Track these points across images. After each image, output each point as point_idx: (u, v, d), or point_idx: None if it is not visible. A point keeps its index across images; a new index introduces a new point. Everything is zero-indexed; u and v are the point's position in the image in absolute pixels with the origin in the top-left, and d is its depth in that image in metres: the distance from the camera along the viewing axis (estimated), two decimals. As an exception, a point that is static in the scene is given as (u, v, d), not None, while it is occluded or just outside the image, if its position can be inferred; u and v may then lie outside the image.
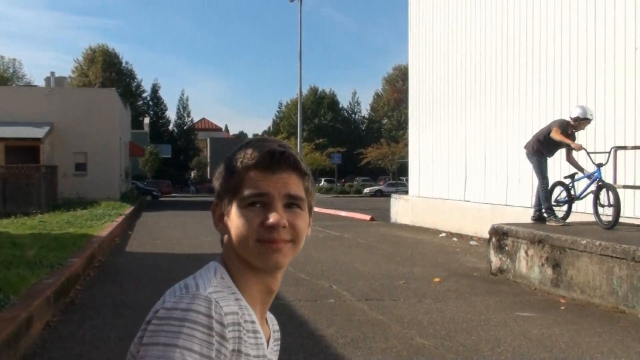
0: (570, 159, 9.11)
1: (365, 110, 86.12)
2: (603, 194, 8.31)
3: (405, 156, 19.35)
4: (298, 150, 31.07)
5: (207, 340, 1.00)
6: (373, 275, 8.59)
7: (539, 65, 12.63)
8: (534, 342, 5.02)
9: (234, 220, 1.16)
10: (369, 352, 4.72)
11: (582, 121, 8.62)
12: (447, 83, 16.35)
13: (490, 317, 6.00)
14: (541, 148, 9.01)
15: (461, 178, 15.49)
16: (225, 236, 1.21)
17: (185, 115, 75.60)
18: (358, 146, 63.67)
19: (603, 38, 10.86)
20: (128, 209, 21.28)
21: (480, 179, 14.64)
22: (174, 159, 66.75)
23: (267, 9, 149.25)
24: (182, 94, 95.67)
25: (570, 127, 8.75)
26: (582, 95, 11.22)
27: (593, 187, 8.59)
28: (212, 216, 1.24)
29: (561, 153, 9.35)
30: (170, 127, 73.98)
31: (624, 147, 9.54)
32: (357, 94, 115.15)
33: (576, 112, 8.67)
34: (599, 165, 8.45)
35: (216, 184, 1.24)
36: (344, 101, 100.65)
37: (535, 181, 9.56)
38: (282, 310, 6.13)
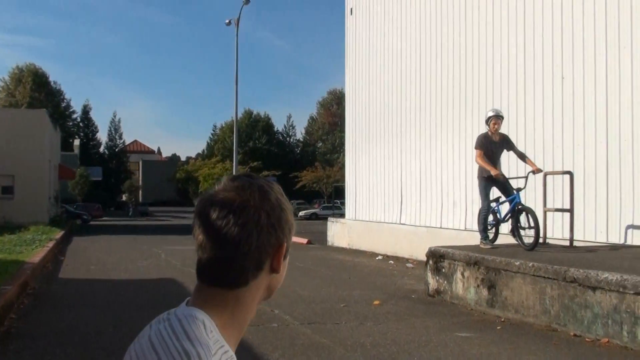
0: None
1: (300, 133, 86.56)
2: (523, 217, 8.65)
3: (340, 179, 19.60)
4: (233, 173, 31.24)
5: None
6: (313, 299, 8.64)
7: (472, 90, 13.07)
8: (473, 362, 5.17)
9: (284, 269, 1.27)
10: (315, 376, 4.77)
11: (494, 119, 8.96)
12: (383, 106, 16.69)
13: (430, 338, 6.13)
14: (481, 170, 9.15)
15: (397, 201, 15.78)
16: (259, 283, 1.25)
17: (117, 137, 74.26)
18: (293, 169, 63.80)
19: (532, 67, 11.35)
20: (58, 234, 20.65)
21: (416, 202, 14.95)
22: (105, 182, 65.21)
23: (203, 31, 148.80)
24: (114, 116, 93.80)
25: (488, 139, 9.03)
26: (512, 120, 11.67)
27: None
28: (279, 253, 1.24)
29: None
30: (101, 149, 72.49)
31: (555, 173, 9.98)
32: (292, 117, 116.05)
33: (488, 115, 9.08)
34: (518, 190, 8.83)
35: (290, 219, 1.27)
36: (279, 124, 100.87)
37: (472, 205, 9.87)
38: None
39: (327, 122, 77.57)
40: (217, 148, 75.69)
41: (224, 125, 78.43)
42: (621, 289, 5.81)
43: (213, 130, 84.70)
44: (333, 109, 75.81)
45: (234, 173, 24.83)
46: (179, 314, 1.21)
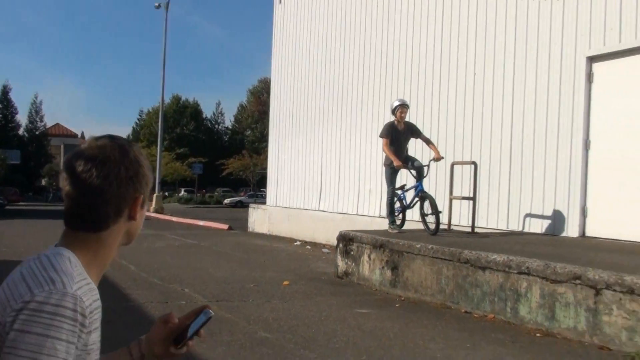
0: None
1: (229, 121, 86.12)
2: (427, 204, 9.14)
3: (266, 167, 19.78)
4: (158, 160, 30.08)
5: (72, 329, 1.26)
6: (226, 279, 8.84)
7: (390, 81, 13.50)
8: (366, 334, 5.51)
9: (141, 217, 1.50)
10: (214, 345, 4.99)
11: (400, 108, 9.41)
12: (307, 95, 16.98)
13: (331, 314, 6.45)
14: (387, 158, 9.58)
15: (317, 189, 16.12)
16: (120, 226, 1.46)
17: (37, 119, 71.80)
18: (220, 157, 63.44)
19: (447, 61, 11.84)
20: (-30, 216, 20.02)
21: (335, 189, 15.32)
22: (23, 166, 62.97)
23: (131, 12, 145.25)
24: (35, 97, 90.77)
25: (394, 127, 9.45)
26: (427, 113, 12.16)
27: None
28: (136, 202, 1.47)
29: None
30: (21, 131, 69.94)
31: (461, 163, 10.50)
32: (222, 104, 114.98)
33: (394, 104, 9.53)
34: (421, 178, 9.32)
35: (147, 174, 1.49)
36: (207, 111, 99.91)
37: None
38: (133, 311, 6.25)
39: (256, 111, 77.46)
40: (144, 133, 74.45)
41: (150, 110, 77.11)
42: (507, 269, 6.28)
43: (139, 116, 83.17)
44: (263, 98, 75.66)
45: (158, 160, 24.39)
46: (48, 253, 1.43)
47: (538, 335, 5.62)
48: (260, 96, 77.83)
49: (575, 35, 9.28)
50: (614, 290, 5.18)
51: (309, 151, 16.64)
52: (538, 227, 9.72)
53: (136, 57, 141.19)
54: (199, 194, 56.80)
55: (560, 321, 5.67)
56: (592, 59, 9.06)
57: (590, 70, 9.08)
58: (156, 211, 29.62)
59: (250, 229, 19.05)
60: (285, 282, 8.53)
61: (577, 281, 5.52)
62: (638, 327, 4.97)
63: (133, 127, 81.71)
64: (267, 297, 7.44)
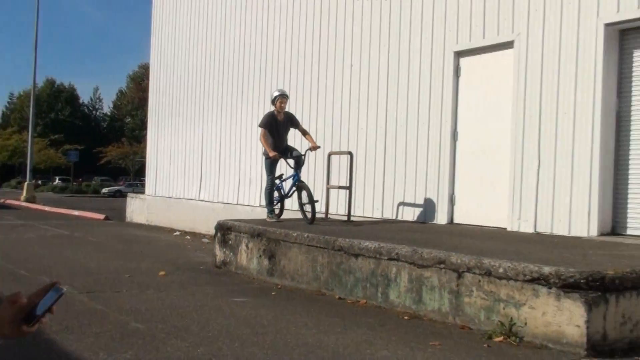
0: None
1: (107, 107, 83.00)
2: (304, 193, 9.33)
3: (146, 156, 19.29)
4: (29, 146, 28.52)
5: None
6: (99, 270, 8.58)
7: (270, 72, 13.55)
8: (240, 322, 5.56)
9: None
10: (82, 336, 4.86)
11: (280, 99, 9.53)
12: (187, 82, 16.71)
13: (206, 303, 6.44)
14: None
15: (197, 178, 15.94)
16: None
17: None
18: (98, 144, 61.11)
19: (325, 55, 12.04)
20: None
21: (215, 179, 15.22)
22: None
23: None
24: None
25: (273, 118, 9.57)
26: (306, 104, 12.32)
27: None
28: None
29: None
30: None
31: (337, 153, 10.74)
32: (100, 90, 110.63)
33: (274, 94, 9.65)
34: (298, 168, 9.49)
35: None
36: (85, 97, 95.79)
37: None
38: (-6, 305, 5.96)
39: (136, 97, 75.06)
40: (14, 118, 70.39)
41: (22, 93, 72.92)
42: (378, 256, 6.52)
43: (10, 99, 78.47)
44: (144, 84, 73.27)
45: (30, 146, 23.22)
46: None
47: (406, 318, 5.88)
48: (141, 82, 75.46)
49: (444, 31, 9.71)
50: (474, 273, 5.52)
51: (189, 139, 16.41)
52: (410, 215, 10.14)
53: (5, 36, 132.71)
54: (74, 183, 54.48)
55: (426, 304, 5.97)
56: (459, 54, 9.53)
57: (458, 64, 9.55)
58: (27, 200, 28.10)
59: (128, 219, 18.55)
60: (162, 273, 8.40)
61: (442, 265, 5.82)
62: (495, 307, 5.32)
63: (3, 111, 77.14)
64: (142, 287, 7.30)
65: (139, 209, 18.30)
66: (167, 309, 6.04)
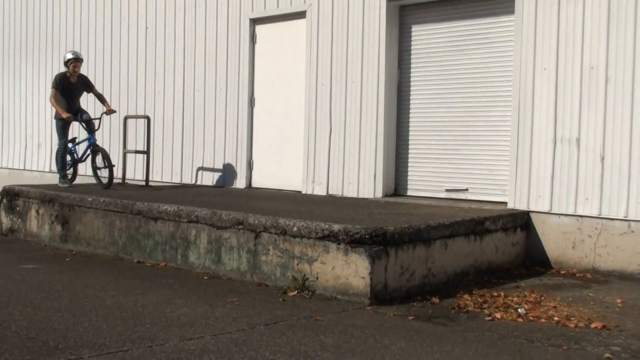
0: None
1: None
2: (99, 158, 9.10)
3: None
4: None
5: None
6: None
7: (58, 31, 12.79)
8: (32, 287, 5.37)
9: None
10: None
11: (73, 62, 9.16)
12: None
13: (-6, 271, 6.11)
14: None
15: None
16: None
17: None
18: None
19: (119, 17, 11.63)
20: None
21: (-2, 143, 14.13)
22: None
23: None
24: None
25: (66, 79, 9.17)
26: (100, 67, 11.84)
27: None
28: None
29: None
30: None
31: (134, 117, 10.51)
32: None
33: (67, 57, 9.22)
34: (92, 131, 9.20)
35: None
36: None
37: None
38: None
39: None
40: None
41: None
42: (177, 219, 6.59)
43: None
44: None
45: None
46: None
47: (205, 278, 6.05)
48: None
49: (240, -3, 9.85)
50: (271, 233, 5.82)
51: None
52: (210, 179, 10.26)
53: None
54: None
55: (225, 264, 6.18)
56: (255, 21, 9.74)
57: (254, 31, 9.77)
58: None
59: None
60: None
61: (240, 226, 6.06)
62: (289, 263, 5.67)
63: None
64: None
65: None
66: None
